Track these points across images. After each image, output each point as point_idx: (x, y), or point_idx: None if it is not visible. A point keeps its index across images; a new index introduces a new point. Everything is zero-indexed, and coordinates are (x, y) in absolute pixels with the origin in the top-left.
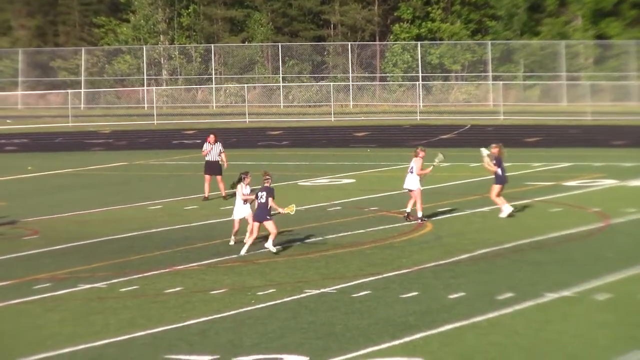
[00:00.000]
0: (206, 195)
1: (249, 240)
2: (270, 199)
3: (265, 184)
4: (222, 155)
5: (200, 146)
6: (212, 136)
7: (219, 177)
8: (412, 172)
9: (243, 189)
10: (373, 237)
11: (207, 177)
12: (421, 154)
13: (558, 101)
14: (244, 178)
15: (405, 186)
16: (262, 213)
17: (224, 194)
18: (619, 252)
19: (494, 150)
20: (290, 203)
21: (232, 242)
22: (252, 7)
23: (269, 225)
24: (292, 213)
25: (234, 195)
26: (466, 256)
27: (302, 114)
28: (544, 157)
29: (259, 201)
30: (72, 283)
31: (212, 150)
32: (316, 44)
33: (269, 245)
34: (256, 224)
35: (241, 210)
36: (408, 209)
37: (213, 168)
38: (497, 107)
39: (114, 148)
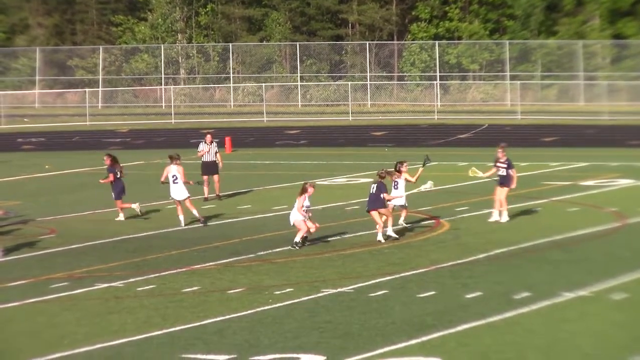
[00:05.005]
0: (206, 196)
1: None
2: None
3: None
4: (218, 155)
5: (218, 145)
6: (208, 136)
7: (215, 177)
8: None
9: (407, 177)
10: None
11: (204, 177)
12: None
13: (575, 101)
14: (400, 167)
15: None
16: None
17: (219, 194)
18: (636, 252)
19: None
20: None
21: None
22: (270, 6)
23: None
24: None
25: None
26: (483, 256)
27: (319, 113)
28: (561, 156)
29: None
30: (89, 282)
31: (209, 151)
32: (334, 43)
33: None
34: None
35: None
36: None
37: (210, 168)
38: (515, 106)
39: (131, 147)
